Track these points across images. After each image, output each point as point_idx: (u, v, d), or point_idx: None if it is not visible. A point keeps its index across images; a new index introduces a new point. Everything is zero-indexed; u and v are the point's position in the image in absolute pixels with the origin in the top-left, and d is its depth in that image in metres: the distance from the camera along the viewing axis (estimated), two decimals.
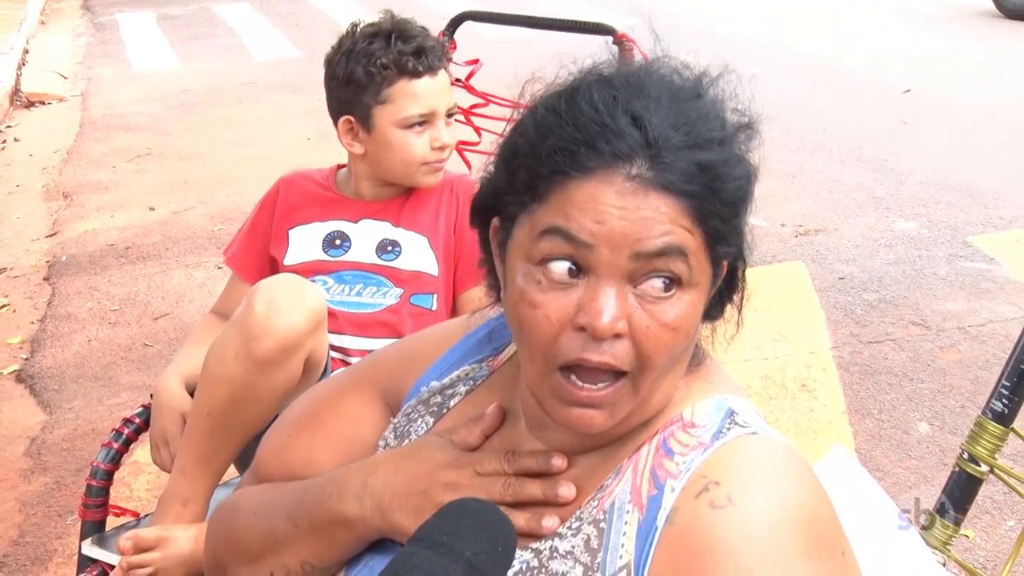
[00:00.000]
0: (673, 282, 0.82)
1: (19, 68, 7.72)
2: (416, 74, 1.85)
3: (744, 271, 0.93)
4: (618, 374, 0.84)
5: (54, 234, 4.80)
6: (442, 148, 1.89)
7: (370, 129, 1.88)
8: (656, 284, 0.82)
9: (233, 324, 1.63)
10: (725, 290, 0.92)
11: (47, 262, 4.47)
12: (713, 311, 0.93)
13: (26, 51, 8.35)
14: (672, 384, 0.91)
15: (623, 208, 0.80)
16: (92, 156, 5.94)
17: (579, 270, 0.83)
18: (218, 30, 9.41)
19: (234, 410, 1.64)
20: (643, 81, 0.85)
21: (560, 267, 0.83)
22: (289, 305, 1.60)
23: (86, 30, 9.82)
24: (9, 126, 6.62)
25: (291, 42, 8.69)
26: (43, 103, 7.17)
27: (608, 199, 0.80)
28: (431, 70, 1.86)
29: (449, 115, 1.91)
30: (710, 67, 0.91)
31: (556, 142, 0.82)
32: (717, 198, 0.82)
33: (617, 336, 0.82)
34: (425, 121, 1.87)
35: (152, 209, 5.00)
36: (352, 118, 1.89)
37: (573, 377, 0.84)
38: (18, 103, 7.09)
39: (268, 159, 5.51)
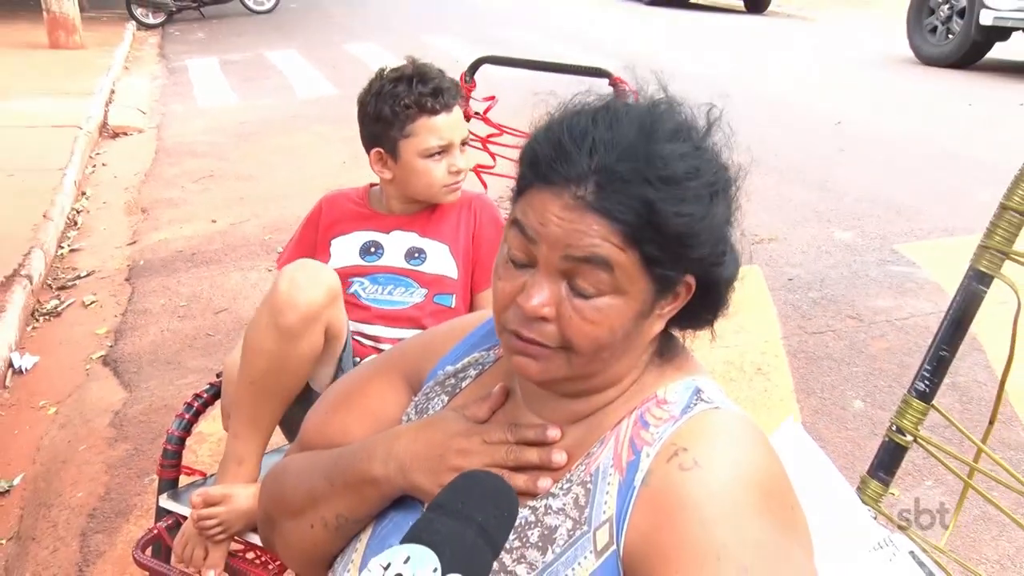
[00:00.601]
0: (600, 286, 0.83)
1: (107, 106, 7.72)
2: (434, 112, 1.85)
3: (718, 290, 0.90)
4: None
5: (134, 242, 4.80)
6: (458, 172, 1.89)
7: (397, 159, 1.88)
8: (584, 285, 0.83)
9: (264, 303, 1.65)
10: (699, 305, 0.90)
11: (128, 266, 4.47)
12: (685, 322, 0.92)
13: (112, 91, 8.35)
14: (624, 368, 0.91)
15: (562, 219, 0.82)
16: (165, 178, 5.94)
17: (531, 260, 0.85)
18: (269, 72, 9.41)
19: (271, 377, 1.65)
20: (621, 117, 0.84)
21: (516, 254, 0.86)
22: (308, 283, 1.61)
23: (161, 74, 9.83)
24: (98, 153, 6.62)
25: (329, 82, 8.69)
26: (126, 134, 7.17)
27: (554, 209, 0.82)
28: (447, 107, 1.86)
29: (463, 144, 1.90)
30: (704, 114, 0.89)
31: (534, 156, 0.85)
32: (654, 229, 0.81)
33: (544, 319, 0.84)
34: (443, 150, 1.87)
35: (214, 221, 5.00)
36: (382, 150, 1.89)
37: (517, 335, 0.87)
38: (106, 134, 7.09)
39: (310, 179, 5.51)
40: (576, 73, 2.18)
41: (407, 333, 1.86)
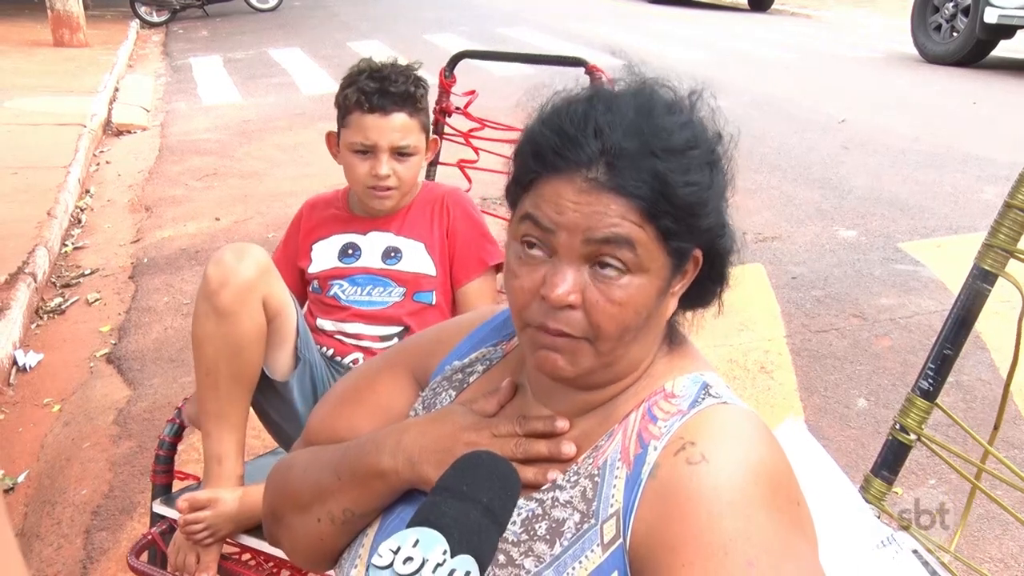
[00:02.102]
0: (623, 266, 0.83)
1: (111, 103, 7.74)
2: (364, 110, 1.84)
3: (723, 261, 0.91)
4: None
5: (138, 240, 4.81)
6: (379, 178, 1.85)
7: (339, 146, 1.92)
8: (608, 267, 0.83)
9: (199, 292, 1.67)
10: (708, 280, 0.91)
11: (132, 263, 4.48)
12: (696, 299, 0.93)
13: (117, 89, 8.37)
14: (642, 352, 0.91)
15: (578, 203, 0.82)
16: (169, 175, 5.94)
17: (548, 251, 0.85)
18: (273, 70, 9.42)
19: (223, 363, 1.66)
20: (616, 99, 0.86)
21: (531, 250, 0.86)
22: (234, 260, 1.65)
23: (165, 71, 9.84)
24: (102, 151, 6.63)
25: (333, 79, 8.67)
26: (130, 132, 7.19)
27: (568, 195, 0.83)
28: (381, 110, 1.83)
29: (401, 153, 1.86)
30: (691, 89, 0.91)
31: (537, 148, 0.85)
32: (667, 201, 0.82)
33: (571, 307, 0.84)
34: (367, 151, 1.85)
35: (218, 219, 5.01)
36: (335, 133, 1.94)
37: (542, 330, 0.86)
38: (109, 132, 7.10)
39: (314, 176, 5.52)
40: (552, 63, 2.17)
41: (388, 330, 1.87)
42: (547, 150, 0.84)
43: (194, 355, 1.69)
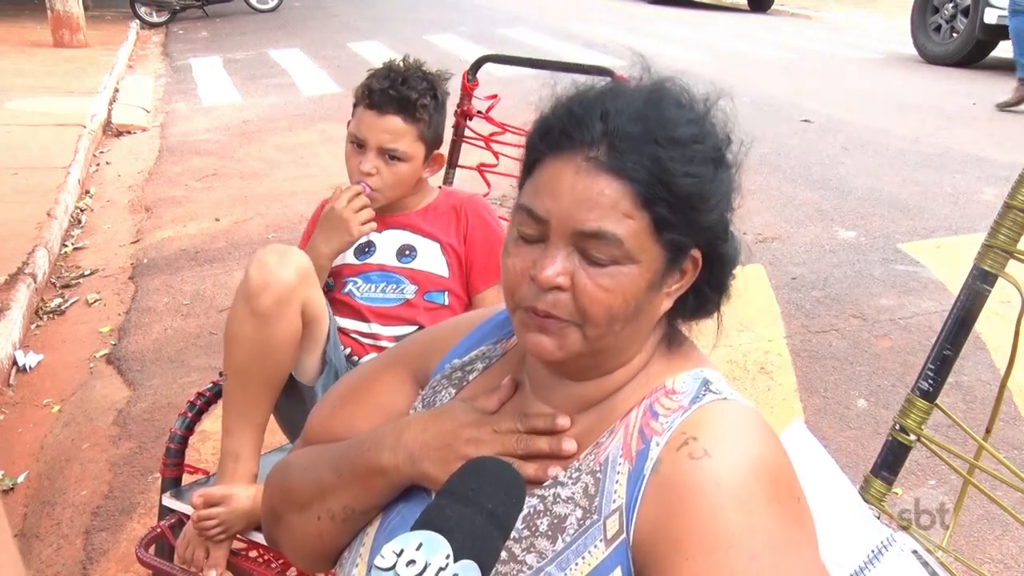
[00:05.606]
0: (611, 257, 0.84)
1: (111, 104, 7.73)
2: (366, 105, 1.88)
3: (723, 269, 0.91)
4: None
5: (137, 241, 4.81)
6: (362, 174, 1.88)
7: None
8: (596, 255, 0.84)
9: (238, 291, 1.67)
10: (706, 286, 0.91)
11: (131, 264, 4.48)
12: (696, 308, 0.93)
13: (116, 90, 8.37)
14: (633, 346, 0.92)
15: (574, 185, 0.84)
16: (169, 176, 5.94)
17: (541, 236, 0.87)
18: (273, 71, 9.42)
19: (254, 365, 1.66)
20: (626, 88, 0.88)
21: (526, 231, 0.88)
22: (277, 264, 1.64)
23: (165, 72, 9.84)
24: (102, 151, 6.63)
25: (333, 80, 8.69)
26: (129, 132, 7.18)
27: (567, 176, 0.84)
28: (379, 108, 1.86)
29: (391, 156, 1.88)
30: (708, 93, 0.92)
31: (546, 127, 0.88)
32: (665, 188, 0.83)
33: (560, 288, 0.85)
34: (359, 144, 1.89)
35: (217, 220, 5.00)
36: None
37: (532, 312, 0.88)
38: (109, 133, 7.10)
39: (314, 177, 5.52)
40: (579, 72, 2.17)
41: (405, 331, 1.88)
42: (554, 129, 0.87)
43: (225, 353, 1.69)
